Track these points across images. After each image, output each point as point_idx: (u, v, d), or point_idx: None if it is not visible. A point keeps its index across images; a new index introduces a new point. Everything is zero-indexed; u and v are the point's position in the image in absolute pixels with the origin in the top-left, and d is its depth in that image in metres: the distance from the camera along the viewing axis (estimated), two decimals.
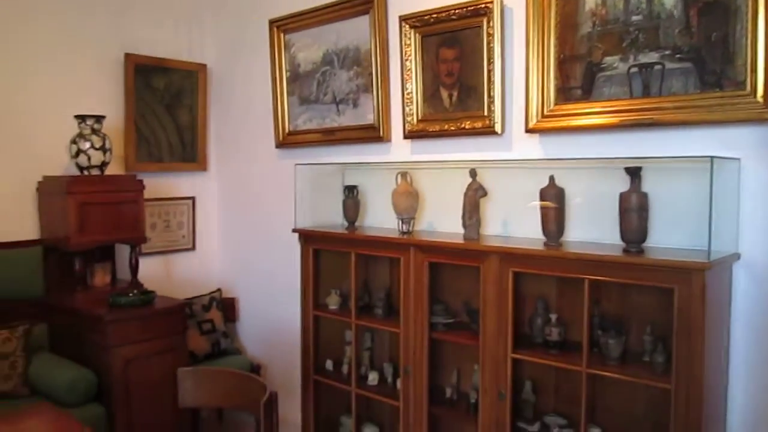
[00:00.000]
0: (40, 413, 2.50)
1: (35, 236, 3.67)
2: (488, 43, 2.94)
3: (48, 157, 3.71)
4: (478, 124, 3.04)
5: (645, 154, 2.51)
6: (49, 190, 3.60)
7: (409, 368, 3.03)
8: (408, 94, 3.30)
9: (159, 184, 4.20)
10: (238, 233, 4.46)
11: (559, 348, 2.63)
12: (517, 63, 2.90)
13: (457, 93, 3.13)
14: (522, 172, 2.91)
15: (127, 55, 4.01)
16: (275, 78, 3.96)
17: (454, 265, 2.98)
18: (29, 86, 3.67)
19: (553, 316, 2.69)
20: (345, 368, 3.48)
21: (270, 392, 2.49)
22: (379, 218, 3.50)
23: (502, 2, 2.89)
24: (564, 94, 2.73)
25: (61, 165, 3.74)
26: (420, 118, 3.28)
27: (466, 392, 3.06)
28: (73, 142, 3.56)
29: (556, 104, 2.75)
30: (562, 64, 2.72)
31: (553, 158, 2.81)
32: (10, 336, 3.30)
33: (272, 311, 4.18)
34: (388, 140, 3.45)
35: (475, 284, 2.78)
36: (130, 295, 3.43)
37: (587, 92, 2.66)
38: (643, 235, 2.41)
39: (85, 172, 3.57)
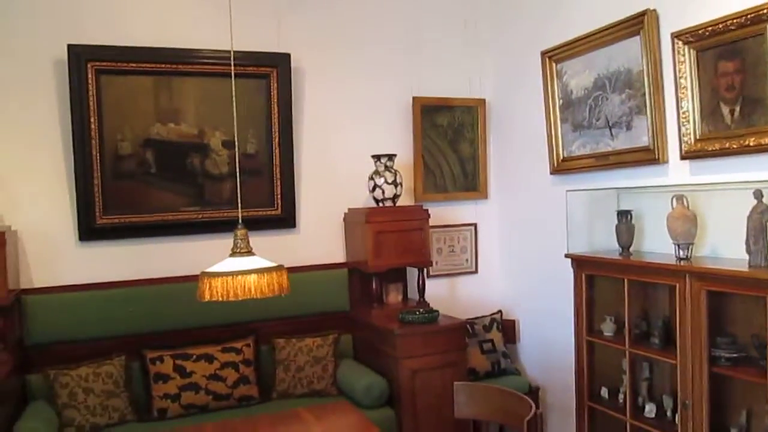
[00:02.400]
0: (341, 411, 2.97)
1: (342, 259, 4.34)
2: None
3: (352, 192, 4.35)
4: (765, 140, 2.78)
5: None
6: (352, 220, 4.22)
7: (687, 403, 2.87)
8: (684, 113, 3.15)
9: (444, 212, 4.60)
10: (517, 257, 4.63)
11: None
12: None
13: (739, 108, 2.90)
14: None
15: (415, 98, 4.51)
16: (548, 106, 4.08)
17: (740, 295, 2.75)
18: (335, 132, 4.36)
19: None
20: (621, 397, 3.40)
21: (535, 411, 2.61)
22: (656, 243, 3.37)
23: None
24: None
25: (362, 198, 4.35)
26: (698, 137, 3.10)
27: None
28: (371, 178, 4.13)
29: None
30: None
31: None
32: (322, 343, 3.94)
33: (549, 334, 4.25)
34: (664, 162, 3.32)
35: (765, 316, 2.54)
36: (417, 313, 3.83)
37: None
38: None
39: (380, 204, 4.12)
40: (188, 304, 3.80)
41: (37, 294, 3.65)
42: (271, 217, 4.08)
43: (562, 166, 4.05)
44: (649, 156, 3.38)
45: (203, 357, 3.68)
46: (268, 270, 2.31)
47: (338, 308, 4.23)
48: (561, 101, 4.01)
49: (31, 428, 3.07)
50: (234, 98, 2.61)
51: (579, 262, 3.52)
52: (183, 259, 3.93)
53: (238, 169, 2.77)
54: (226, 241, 3.86)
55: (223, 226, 3.98)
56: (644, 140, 3.42)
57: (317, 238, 4.28)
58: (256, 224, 3.83)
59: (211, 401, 3.62)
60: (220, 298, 2.25)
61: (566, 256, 3.58)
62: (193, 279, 3.82)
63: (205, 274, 2.30)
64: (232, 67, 2.58)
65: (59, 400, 3.40)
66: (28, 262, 3.70)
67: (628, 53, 3.47)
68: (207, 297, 2.27)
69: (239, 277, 2.26)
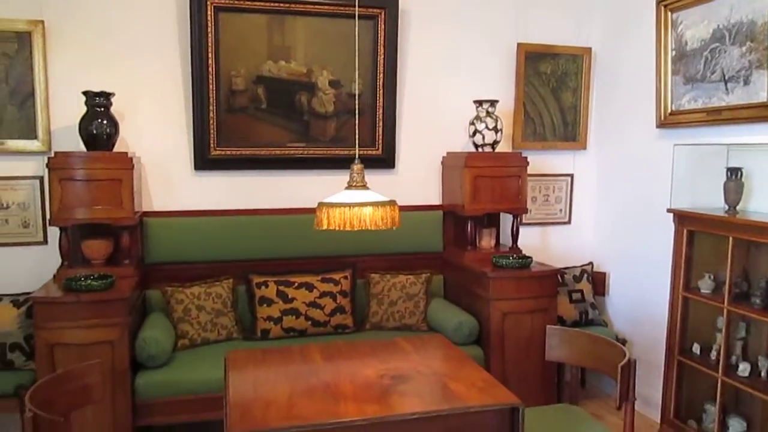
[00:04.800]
0: (437, 343, 3.12)
1: (438, 202, 4.44)
2: None
3: (451, 136, 4.41)
4: None
5: None
6: (450, 164, 4.30)
7: None
8: None
9: (541, 160, 4.59)
10: (612, 210, 4.59)
11: None
12: None
13: None
14: None
15: (519, 44, 4.47)
16: (659, 57, 3.96)
17: None
18: (437, 76, 4.40)
19: None
20: (713, 354, 3.39)
21: (629, 358, 2.67)
22: (764, 204, 3.29)
23: None
24: None
25: (461, 143, 4.41)
26: None
27: None
28: (471, 123, 4.17)
29: None
30: None
31: None
32: (415, 281, 4.10)
33: (641, 288, 4.24)
34: None
35: None
36: (511, 258, 3.91)
37: None
38: None
39: (480, 149, 4.16)
40: (291, 234, 4.08)
41: (156, 217, 3.95)
42: (372, 157, 4.21)
43: (670, 120, 3.95)
44: (766, 113, 3.27)
45: (304, 285, 3.91)
46: (383, 204, 2.44)
47: (431, 249, 4.36)
48: (674, 52, 3.89)
49: (153, 337, 3.39)
50: (357, 38, 2.71)
51: (681, 218, 3.48)
52: (287, 192, 4.15)
53: (357, 109, 2.90)
54: (329, 177, 4.10)
55: (327, 163, 4.17)
56: (762, 96, 3.30)
57: (414, 179, 4.38)
58: None
59: (309, 327, 3.86)
60: (337, 228, 2.39)
61: (668, 210, 3.54)
62: (297, 211, 4.09)
63: (323, 204, 2.45)
64: (357, 8, 2.66)
65: (175, 314, 3.72)
66: (149, 187, 4.00)
67: (753, 4, 3.32)
68: (324, 225, 2.42)
69: (356, 208, 2.39)
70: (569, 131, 4.68)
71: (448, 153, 4.38)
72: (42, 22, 3.70)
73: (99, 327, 3.22)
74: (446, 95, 4.41)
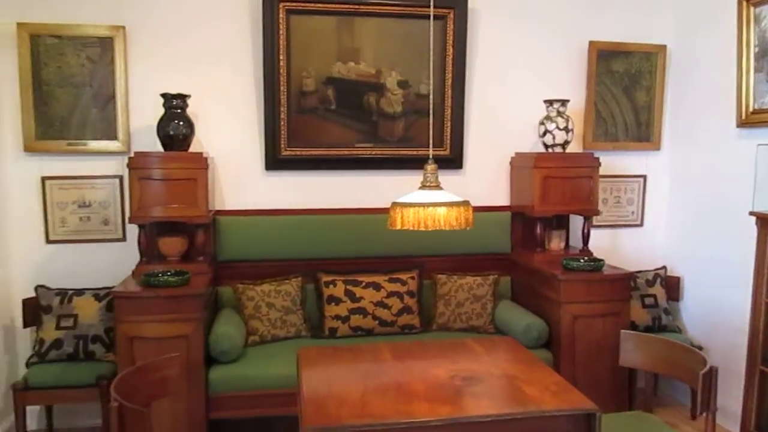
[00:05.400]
0: (507, 345, 3.08)
1: (506, 203, 4.40)
2: None
3: (519, 136, 4.36)
4: None
5: None
6: (519, 164, 4.24)
7: None
8: None
9: (612, 161, 4.48)
10: (687, 213, 4.44)
11: None
12: None
13: None
14: None
15: (591, 43, 4.37)
16: (741, 54, 3.80)
17: None
18: (506, 75, 4.35)
19: None
20: None
21: (711, 366, 2.58)
22: None
23: None
24: None
25: (530, 143, 4.35)
26: None
27: None
28: (541, 123, 4.11)
29: None
30: None
31: None
32: (482, 282, 4.06)
33: (718, 294, 4.08)
34: None
35: None
36: (582, 260, 3.83)
37: None
38: None
39: (549, 150, 4.10)
40: (359, 234, 4.11)
41: (228, 215, 4.05)
42: (439, 157, 4.13)
43: (752, 119, 3.79)
44: None
45: (371, 285, 3.93)
46: (456, 204, 2.43)
47: (499, 250, 4.32)
48: (756, 49, 3.73)
49: (226, 333, 3.48)
50: (432, 38, 2.70)
51: (765, 221, 3.33)
52: (355, 192, 4.18)
53: (431, 109, 2.92)
54: (397, 177, 4.11)
55: (395, 163, 4.18)
56: None
57: (482, 180, 4.35)
58: (424, 163, 3.95)
59: (376, 326, 3.88)
60: (411, 227, 2.39)
61: (751, 213, 3.40)
62: (364, 211, 4.12)
63: (397, 204, 2.45)
64: (432, 9, 2.66)
65: (245, 311, 3.80)
66: (222, 187, 4.10)
67: None
68: (398, 225, 2.43)
69: (430, 208, 2.39)
70: (642, 131, 4.55)
71: (516, 153, 4.33)
72: (123, 27, 3.85)
73: (175, 321, 3.32)
74: (515, 95, 4.35)
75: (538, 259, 4.00)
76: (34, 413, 3.82)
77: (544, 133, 4.08)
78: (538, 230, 4.07)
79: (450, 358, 2.82)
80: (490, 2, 4.27)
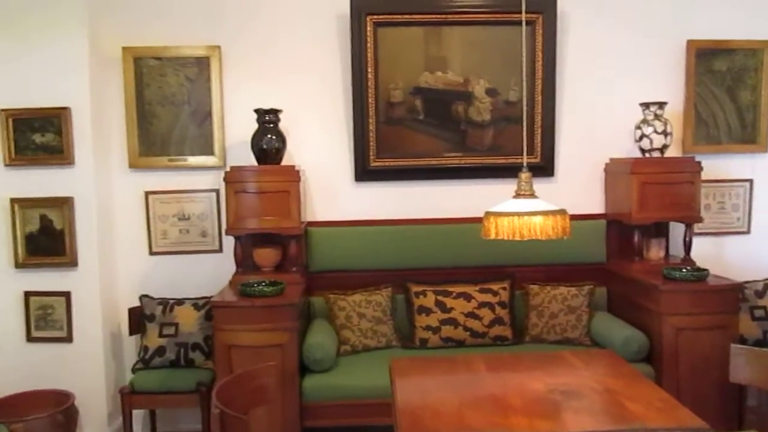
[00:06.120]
0: (607, 359, 2.96)
1: (600, 210, 4.25)
2: None
3: (614, 141, 4.20)
4: None
5: None
6: (614, 170, 4.10)
7: None
8: None
9: (714, 165, 4.23)
10: None
11: None
12: None
13: None
14: None
15: (689, 41, 4.18)
16: None
17: None
18: (598, 79, 4.21)
19: None
20: None
21: None
22: None
23: None
24: None
25: (625, 148, 4.19)
26: None
27: None
28: (638, 127, 3.95)
29: None
30: None
31: None
32: (577, 293, 3.94)
33: None
34: None
35: None
36: (684, 270, 3.65)
37: None
38: None
39: (647, 155, 3.93)
40: (448, 244, 4.08)
41: (319, 227, 4.12)
42: (530, 165, 3.99)
43: None
44: None
45: (462, 295, 3.89)
46: (553, 213, 2.36)
47: (593, 259, 4.17)
48: None
49: (319, 342, 3.53)
50: (524, 43, 2.68)
51: None
52: (444, 202, 4.16)
53: (524, 116, 2.81)
54: (486, 187, 4.06)
55: (484, 172, 4.13)
56: None
57: (575, 187, 4.22)
58: (513, 171, 3.88)
59: (468, 337, 3.83)
60: (506, 237, 2.35)
61: None
62: (454, 221, 4.09)
63: (490, 213, 2.42)
64: (524, 14, 2.61)
65: (337, 321, 3.84)
66: (312, 198, 4.18)
67: None
68: (492, 235, 2.39)
69: (525, 217, 2.34)
70: (747, 133, 4.30)
71: (611, 159, 4.18)
72: (219, 47, 4.01)
73: (270, 331, 3.40)
74: (608, 98, 4.21)
75: (637, 269, 3.84)
76: (139, 417, 4.00)
77: (641, 138, 3.92)
78: (636, 238, 3.91)
79: (546, 371, 2.74)
80: (579, 4, 4.16)
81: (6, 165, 3.73)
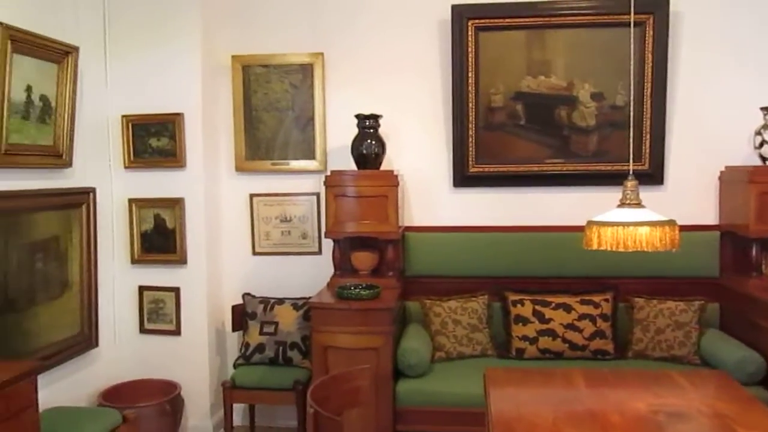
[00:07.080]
0: (719, 381, 2.78)
1: (713, 221, 4.00)
2: None
3: (729, 148, 3.94)
4: None
5: None
6: (730, 179, 3.84)
7: None
8: None
9: None
10: None
11: None
12: None
13: None
14: None
15: None
16: None
17: None
18: (712, 82, 3.97)
19: None
20: None
21: None
22: None
23: None
24: None
25: (743, 155, 3.92)
26: None
27: None
28: (758, 133, 3.69)
29: None
30: None
31: None
32: (686, 308, 3.72)
33: None
34: None
35: None
36: None
37: None
38: None
39: (767, 162, 3.67)
40: (548, 252, 3.98)
41: (416, 232, 4.13)
42: (638, 172, 3.78)
43: None
44: None
45: (561, 306, 3.77)
46: (660, 223, 2.25)
47: (704, 273, 3.93)
48: None
49: (413, 348, 3.53)
50: (632, 45, 2.56)
51: None
52: (544, 210, 4.06)
53: (631, 121, 2.72)
54: (589, 194, 3.93)
55: (587, 179, 4.00)
56: None
57: (685, 196, 3.99)
58: (618, 179, 3.72)
59: (566, 349, 3.71)
60: (609, 248, 2.26)
61: None
62: (554, 229, 3.99)
63: (593, 222, 2.33)
64: (632, 15, 2.50)
65: (432, 326, 3.83)
66: (410, 203, 4.19)
67: None
68: (595, 245, 2.30)
69: (630, 228, 2.24)
70: None
71: (726, 167, 3.92)
72: (321, 54, 4.11)
73: (366, 334, 3.44)
74: (724, 103, 3.95)
75: (755, 285, 3.58)
76: (239, 410, 4.15)
77: (761, 144, 3.66)
78: (754, 252, 3.65)
79: (651, 390, 2.60)
80: (694, 3, 3.93)
81: (126, 167, 3.98)
